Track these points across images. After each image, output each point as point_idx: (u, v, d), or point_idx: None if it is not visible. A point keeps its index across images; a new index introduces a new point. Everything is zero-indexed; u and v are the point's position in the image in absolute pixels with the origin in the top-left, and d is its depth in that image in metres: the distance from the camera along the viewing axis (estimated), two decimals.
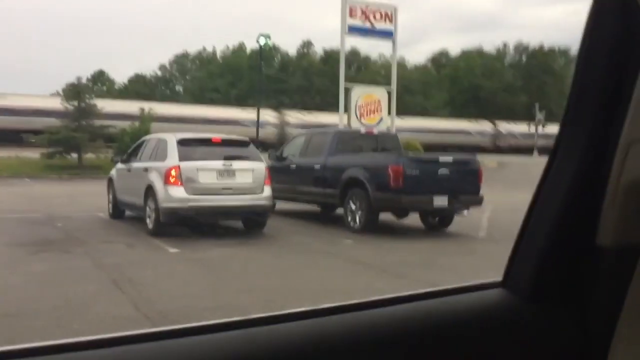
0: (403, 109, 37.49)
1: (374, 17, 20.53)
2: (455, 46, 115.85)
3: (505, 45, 74.08)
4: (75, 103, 27.15)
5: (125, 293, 5.88)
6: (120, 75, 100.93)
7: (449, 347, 1.01)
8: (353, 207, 10.41)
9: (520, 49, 73.44)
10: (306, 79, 64.47)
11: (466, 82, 66.06)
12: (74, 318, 5.07)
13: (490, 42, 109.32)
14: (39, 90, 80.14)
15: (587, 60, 0.99)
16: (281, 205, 12.43)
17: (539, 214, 1.07)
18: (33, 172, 24.35)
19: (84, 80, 36.11)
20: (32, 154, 26.51)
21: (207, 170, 9.47)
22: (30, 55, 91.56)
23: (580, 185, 1.01)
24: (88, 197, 14.84)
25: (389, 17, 20.85)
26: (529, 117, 50.13)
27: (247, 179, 9.74)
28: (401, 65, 57.43)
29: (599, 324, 1.02)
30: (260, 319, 0.95)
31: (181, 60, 74.82)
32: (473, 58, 68.55)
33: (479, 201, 10.49)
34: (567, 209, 1.03)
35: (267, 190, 9.91)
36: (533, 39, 72.01)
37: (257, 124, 32.62)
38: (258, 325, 0.94)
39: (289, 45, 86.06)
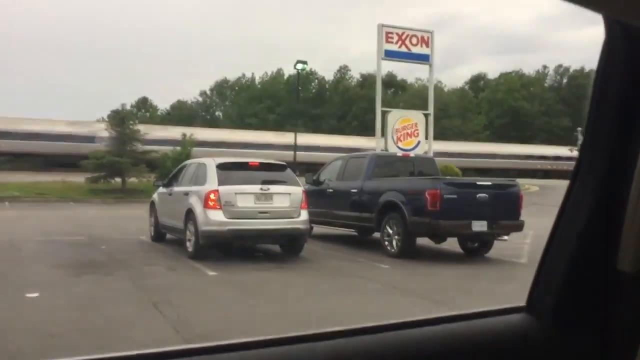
0: (441, 133, 37.24)
1: (411, 41, 20.63)
2: (493, 69, 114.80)
3: (545, 67, 73.13)
4: (120, 129, 28.02)
5: (165, 315, 5.96)
6: (163, 102, 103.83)
7: None
8: (390, 231, 10.34)
9: (561, 71, 72.33)
10: (343, 103, 64.89)
11: (505, 105, 65.24)
12: (114, 339, 5.17)
13: (529, 65, 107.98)
14: (84, 116, 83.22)
15: (602, 91, 1.01)
16: (318, 229, 12.46)
17: (560, 239, 1.09)
18: (78, 196, 25.11)
19: (128, 107, 37.32)
20: (78, 178, 27.36)
21: (245, 194, 9.60)
22: (76, 82, 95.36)
23: (600, 212, 1.03)
24: (130, 220, 15.20)
25: (425, 41, 20.91)
26: (569, 141, 49.15)
27: (284, 202, 9.82)
28: (438, 88, 57.28)
29: (620, 348, 1.02)
30: (288, 339, 0.98)
31: (221, 86, 76.49)
32: (512, 81, 67.77)
33: (519, 226, 10.27)
34: (587, 234, 1.04)
35: (304, 214, 9.96)
36: (574, 61, 70.78)
37: (295, 147, 32.95)
38: (288, 344, 0.97)
39: (326, 70, 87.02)
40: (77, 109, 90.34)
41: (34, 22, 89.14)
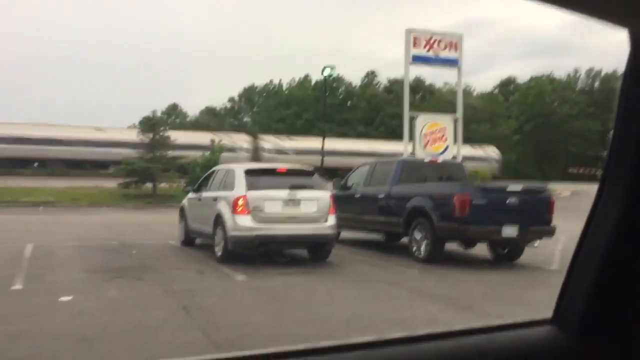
0: (470, 137, 36.77)
1: (439, 46, 20.50)
2: (523, 73, 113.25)
3: (576, 71, 71.81)
4: (150, 135, 28.48)
5: (194, 319, 6.04)
6: (193, 108, 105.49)
7: None
8: (418, 236, 10.27)
9: (592, 74, 70.91)
10: (371, 108, 64.79)
11: (536, 109, 64.23)
12: (144, 343, 5.26)
13: (560, 68, 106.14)
14: (118, 122, 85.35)
15: (628, 103, 1.01)
16: (345, 234, 12.45)
17: (587, 252, 1.08)
18: (110, 201, 25.58)
19: (158, 114, 37.83)
20: (110, 184, 27.91)
21: (273, 199, 9.66)
22: (112, 90, 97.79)
23: (627, 225, 1.02)
24: (161, 225, 15.42)
25: (454, 45, 20.75)
26: (602, 145, 48.02)
27: (312, 208, 9.85)
28: (467, 92, 56.71)
29: None
30: (314, 350, 0.99)
31: (249, 92, 77.13)
32: (543, 84, 66.70)
33: (550, 232, 10.10)
34: (613, 249, 1.03)
35: (332, 219, 9.97)
36: (606, 64, 69.22)
37: (322, 152, 32.97)
38: (318, 354, 0.98)
39: (353, 76, 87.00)
40: (111, 116, 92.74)
41: (74, 40, 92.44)
